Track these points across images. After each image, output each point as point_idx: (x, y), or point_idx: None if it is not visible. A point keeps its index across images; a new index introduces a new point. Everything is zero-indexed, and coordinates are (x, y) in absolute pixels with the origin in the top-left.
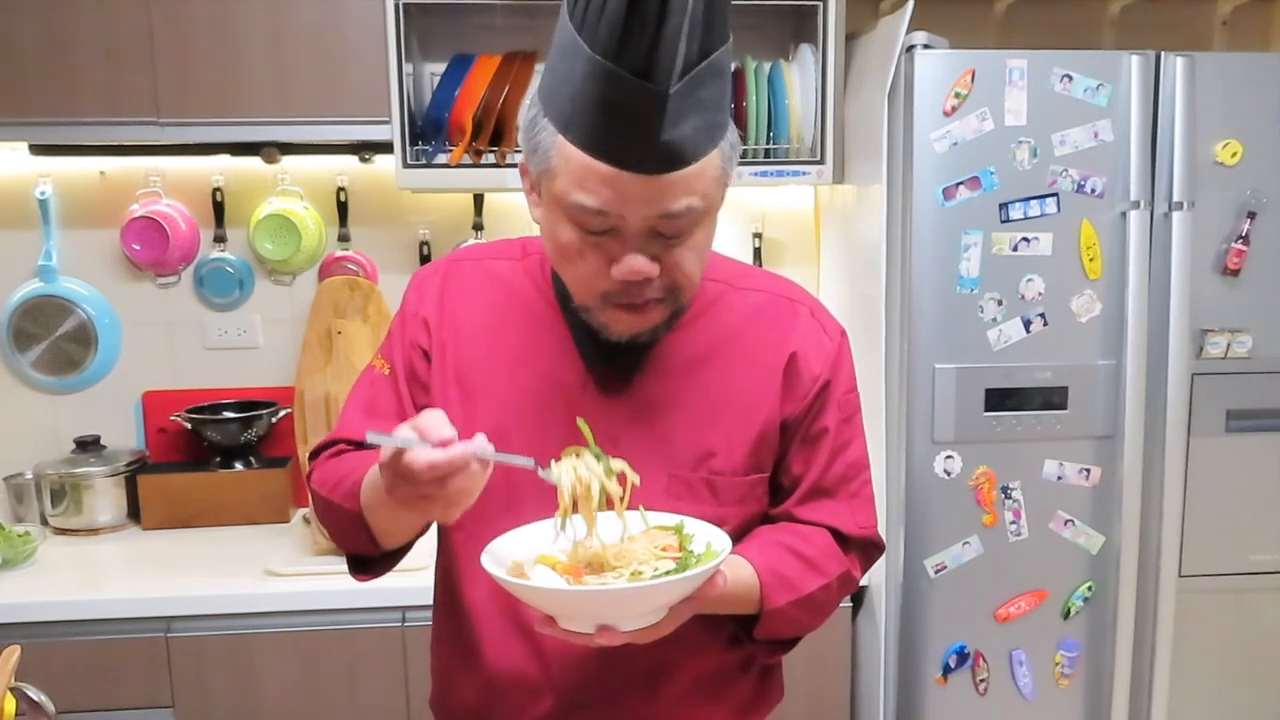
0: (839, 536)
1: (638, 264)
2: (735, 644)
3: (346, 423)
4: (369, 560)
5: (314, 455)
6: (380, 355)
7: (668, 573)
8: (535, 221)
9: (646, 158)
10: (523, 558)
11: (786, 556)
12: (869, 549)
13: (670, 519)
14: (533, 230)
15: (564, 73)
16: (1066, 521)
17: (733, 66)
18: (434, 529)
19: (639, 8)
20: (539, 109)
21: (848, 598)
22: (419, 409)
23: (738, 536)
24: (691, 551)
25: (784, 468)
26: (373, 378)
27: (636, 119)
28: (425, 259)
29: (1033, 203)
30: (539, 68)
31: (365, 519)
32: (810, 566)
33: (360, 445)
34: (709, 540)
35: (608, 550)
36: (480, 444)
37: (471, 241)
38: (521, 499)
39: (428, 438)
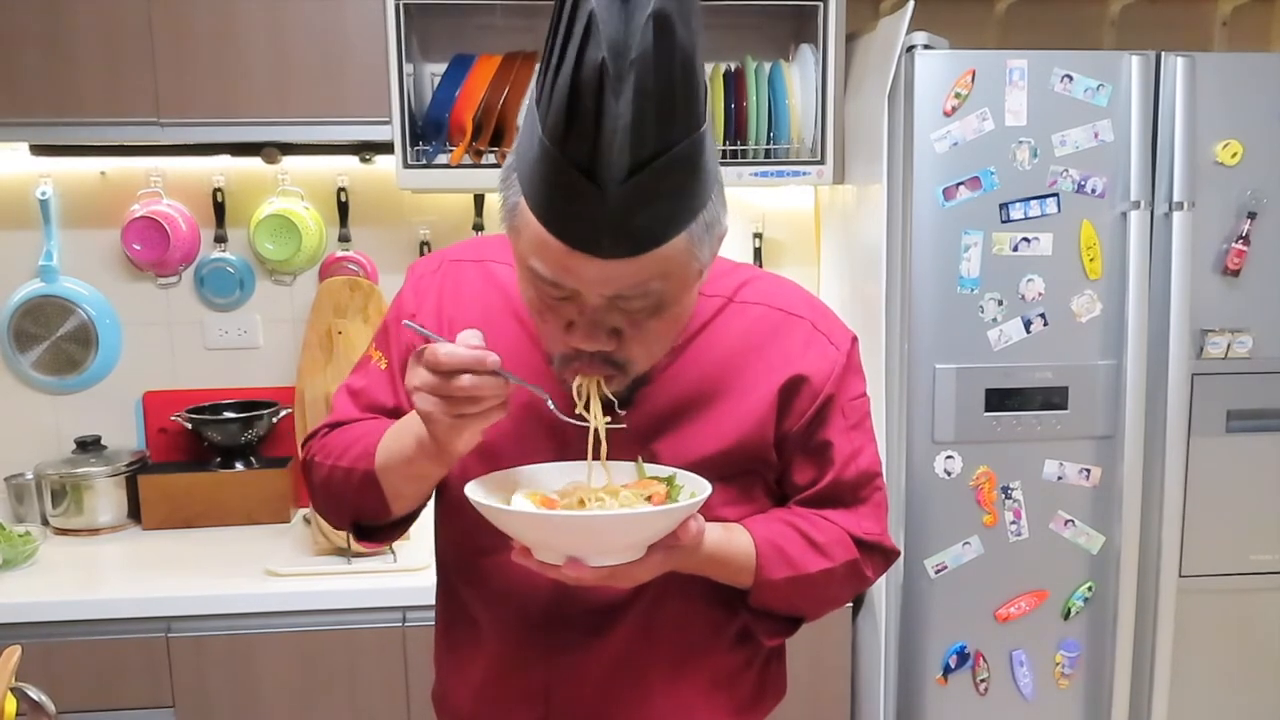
0: None
1: (584, 340)
2: (741, 642)
3: (340, 412)
4: (373, 529)
5: (309, 440)
6: (376, 346)
7: None
8: None
9: (597, 242)
10: (515, 493)
11: (791, 534)
12: (885, 553)
13: (664, 471)
14: None
15: (527, 138)
16: (1067, 522)
17: (730, 66)
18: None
19: (577, 106)
20: (515, 159)
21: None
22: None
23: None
24: (676, 501)
25: (787, 479)
26: (369, 370)
27: (583, 208)
28: None
29: (1033, 203)
30: (539, 68)
31: (378, 480)
32: (814, 548)
33: None
34: (693, 491)
35: (597, 490)
36: (496, 359)
37: None
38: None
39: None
